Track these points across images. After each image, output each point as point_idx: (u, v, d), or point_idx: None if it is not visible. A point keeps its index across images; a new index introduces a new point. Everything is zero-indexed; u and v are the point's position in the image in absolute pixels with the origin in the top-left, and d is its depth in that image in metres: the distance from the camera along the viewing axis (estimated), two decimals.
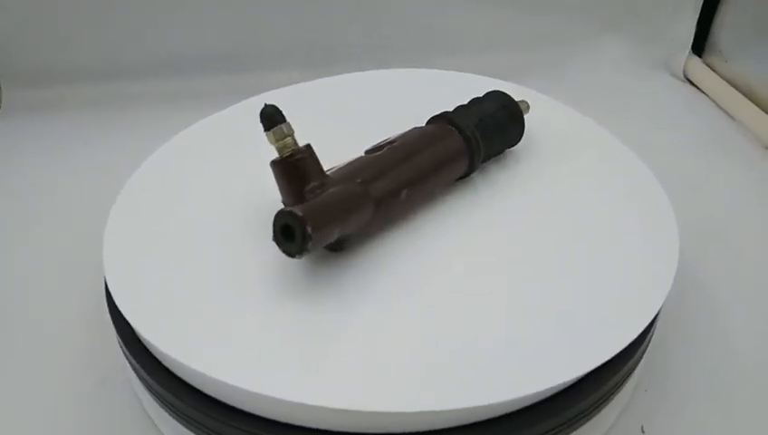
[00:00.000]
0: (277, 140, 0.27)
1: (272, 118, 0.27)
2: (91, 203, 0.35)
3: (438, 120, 0.33)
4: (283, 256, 0.26)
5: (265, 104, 0.28)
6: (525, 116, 0.35)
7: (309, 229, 0.25)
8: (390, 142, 0.31)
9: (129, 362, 0.29)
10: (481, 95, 0.35)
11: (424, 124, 0.34)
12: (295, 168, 0.27)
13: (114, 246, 0.30)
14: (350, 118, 0.38)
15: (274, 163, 0.28)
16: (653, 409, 0.31)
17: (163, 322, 0.27)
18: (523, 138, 0.36)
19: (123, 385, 0.32)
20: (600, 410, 0.28)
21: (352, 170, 0.29)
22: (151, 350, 0.27)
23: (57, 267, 0.39)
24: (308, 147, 0.28)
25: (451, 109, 0.34)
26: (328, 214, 0.26)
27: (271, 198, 0.29)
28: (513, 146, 0.35)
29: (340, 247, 0.29)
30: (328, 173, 0.29)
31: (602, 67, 0.60)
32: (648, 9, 0.60)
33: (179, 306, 0.27)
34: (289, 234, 0.25)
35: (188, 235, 0.31)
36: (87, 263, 0.31)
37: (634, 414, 0.31)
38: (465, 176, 0.33)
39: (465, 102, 0.34)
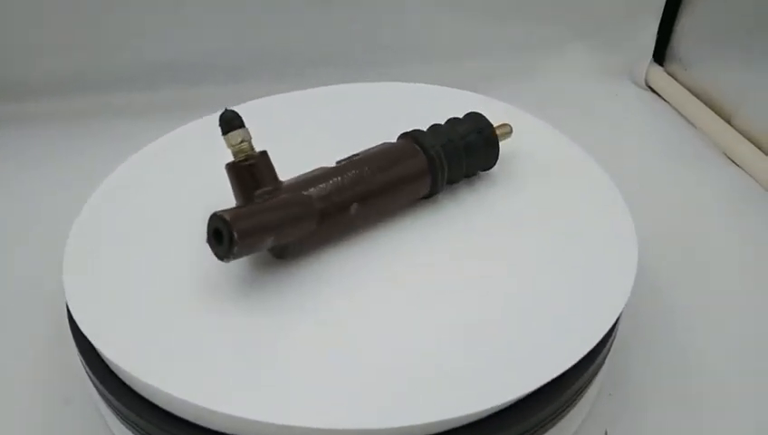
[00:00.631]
0: (233, 145, 0.28)
1: (230, 122, 0.28)
2: (58, 219, 0.34)
3: (406, 137, 0.33)
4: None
5: (225, 109, 0.29)
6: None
7: (235, 234, 0.25)
8: (354, 156, 0.32)
9: (91, 380, 0.28)
10: (454, 110, 0.35)
11: (396, 139, 0.34)
12: (247, 172, 0.28)
13: (75, 263, 0.30)
14: (321, 131, 0.39)
15: (228, 166, 0.29)
16: (617, 413, 0.32)
17: (122, 338, 0.27)
18: None
19: (88, 404, 0.32)
20: (564, 416, 0.28)
21: (306, 180, 0.30)
22: (112, 367, 0.27)
23: (24, 282, 0.39)
24: (263, 153, 0.29)
25: (425, 123, 0.34)
26: (258, 221, 0.27)
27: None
28: (487, 169, 0.35)
29: (284, 254, 0.30)
30: (284, 182, 0.29)
31: (565, 75, 0.61)
32: (610, 18, 0.61)
33: (139, 322, 0.27)
34: (219, 237, 0.26)
35: (150, 250, 0.31)
36: (53, 278, 0.30)
37: (598, 419, 0.32)
38: (430, 196, 0.33)
39: (443, 121, 0.34)
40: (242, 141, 0.28)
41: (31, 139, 0.53)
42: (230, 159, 0.29)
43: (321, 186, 0.29)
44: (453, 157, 0.33)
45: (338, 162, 0.32)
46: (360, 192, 0.30)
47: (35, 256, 0.40)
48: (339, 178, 0.30)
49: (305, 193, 0.29)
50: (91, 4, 0.54)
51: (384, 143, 0.33)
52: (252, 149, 0.29)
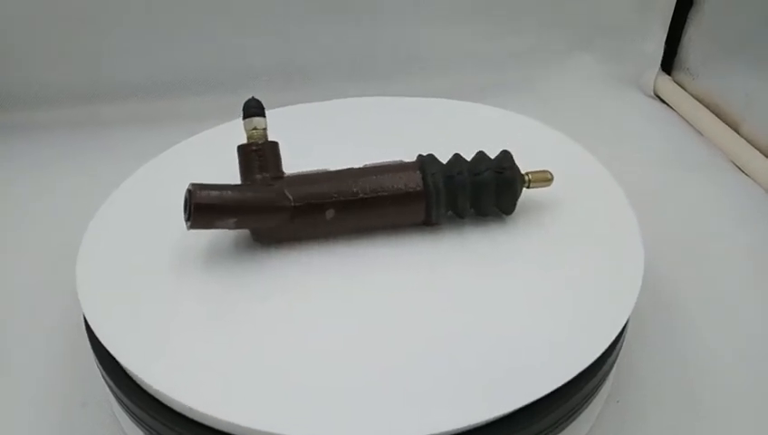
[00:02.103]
0: (247, 129, 0.32)
1: (248, 109, 0.32)
2: (68, 225, 0.35)
3: (418, 160, 0.32)
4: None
5: (252, 97, 0.32)
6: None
7: (192, 206, 0.28)
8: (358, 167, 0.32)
9: (107, 383, 0.29)
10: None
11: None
12: (253, 156, 0.31)
13: (88, 270, 0.31)
14: (352, 139, 0.39)
15: (238, 147, 0.32)
16: (624, 419, 0.32)
17: (136, 344, 0.27)
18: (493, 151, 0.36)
19: (104, 408, 0.32)
20: (572, 423, 0.28)
21: (299, 177, 0.31)
22: (129, 373, 0.27)
23: (37, 288, 0.39)
24: (272, 143, 0.32)
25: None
26: (220, 200, 0.29)
27: None
28: (506, 212, 0.33)
29: (259, 239, 0.31)
30: (287, 174, 0.31)
31: (573, 85, 0.61)
32: (618, 28, 0.62)
33: (154, 330, 0.28)
34: (186, 206, 0.29)
35: (163, 256, 0.32)
36: (67, 283, 0.31)
37: (606, 425, 0.32)
38: (428, 223, 0.32)
39: (473, 153, 0.33)
40: (254, 128, 0.31)
41: (41, 146, 0.54)
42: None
43: (304, 185, 0.31)
44: (457, 191, 0.31)
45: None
46: (339, 201, 0.30)
47: (50, 261, 0.40)
48: (323, 183, 0.31)
49: (286, 188, 0.30)
50: (104, 16, 0.55)
51: (394, 161, 0.33)
52: (264, 137, 0.31)
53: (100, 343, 0.28)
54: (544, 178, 0.32)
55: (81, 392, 0.33)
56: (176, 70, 0.58)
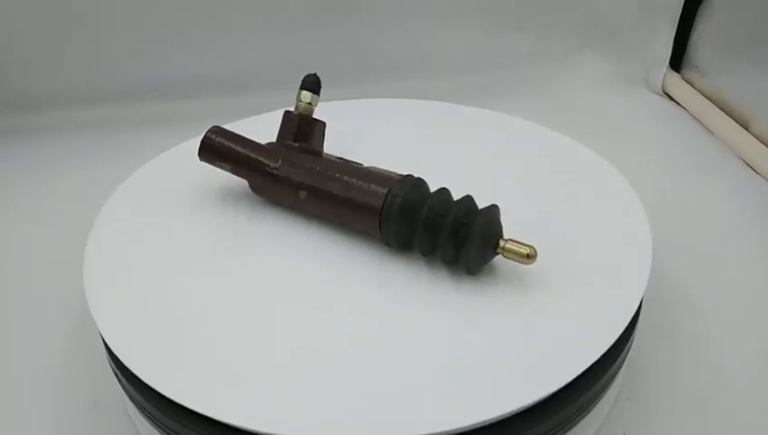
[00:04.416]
0: (296, 99, 0.35)
1: (305, 83, 0.35)
2: (68, 226, 0.36)
3: (404, 177, 0.31)
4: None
5: (313, 73, 0.35)
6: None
7: (201, 142, 0.33)
8: (355, 162, 0.33)
9: (120, 383, 0.29)
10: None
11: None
12: (291, 123, 0.34)
13: (95, 273, 0.31)
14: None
15: (285, 112, 0.35)
16: (635, 417, 0.32)
17: (145, 347, 0.27)
18: (500, 156, 0.36)
19: (116, 407, 0.33)
20: (582, 420, 0.28)
21: (319, 159, 0.34)
22: (139, 378, 0.27)
23: (41, 288, 0.40)
24: (317, 120, 0.35)
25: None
26: (224, 145, 0.34)
27: (246, 219, 0.33)
28: (468, 271, 0.30)
29: (257, 193, 0.35)
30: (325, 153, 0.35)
31: (582, 84, 0.61)
32: (626, 26, 0.62)
33: (162, 332, 0.28)
34: None
35: (169, 256, 0.32)
36: (70, 281, 0.31)
37: (616, 422, 0.32)
38: (385, 242, 0.31)
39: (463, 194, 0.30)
40: (300, 101, 0.34)
41: (41, 147, 0.54)
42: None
43: (301, 162, 0.33)
44: (413, 224, 0.30)
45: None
46: (310, 186, 0.32)
47: (54, 261, 0.41)
48: (309, 165, 0.33)
49: (288, 158, 0.33)
50: (104, 17, 0.55)
51: (390, 171, 0.32)
52: (309, 111, 0.34)
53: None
54: (521, 254, 0.28)
55: (93, 392, 0.34)
56: (176, 71, 0.58)
